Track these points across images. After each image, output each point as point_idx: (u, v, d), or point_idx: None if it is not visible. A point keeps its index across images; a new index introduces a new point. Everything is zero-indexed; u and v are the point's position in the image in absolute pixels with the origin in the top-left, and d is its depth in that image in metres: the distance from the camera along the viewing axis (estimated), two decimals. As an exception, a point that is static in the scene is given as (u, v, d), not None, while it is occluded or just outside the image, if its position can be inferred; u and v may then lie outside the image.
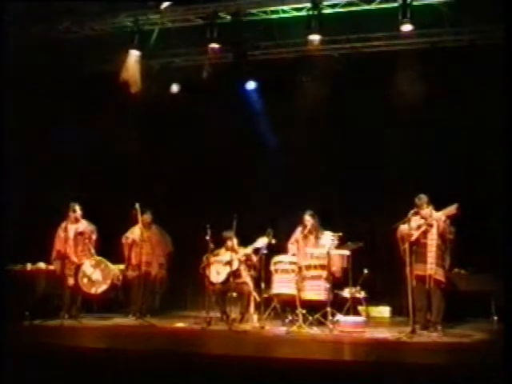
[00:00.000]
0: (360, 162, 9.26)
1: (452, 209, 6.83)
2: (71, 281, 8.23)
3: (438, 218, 6.96)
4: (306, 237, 8.23)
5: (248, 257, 8.25)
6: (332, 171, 9.36)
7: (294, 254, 8.15)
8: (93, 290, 8.21)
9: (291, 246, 8.28)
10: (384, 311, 9.06)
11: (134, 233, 8.64)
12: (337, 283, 7.83)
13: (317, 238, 8.12)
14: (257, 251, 8.10)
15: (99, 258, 8.36)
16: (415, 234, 7.01)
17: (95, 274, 8.25)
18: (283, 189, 9.30)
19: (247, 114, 9.72)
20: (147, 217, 8.61)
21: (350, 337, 6.89)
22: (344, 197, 9.20)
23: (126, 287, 8.79)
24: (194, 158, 9.95)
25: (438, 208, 7.07)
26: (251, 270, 8.33)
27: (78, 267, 8.27)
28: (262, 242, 7.97)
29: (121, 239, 8.75)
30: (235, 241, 8.20)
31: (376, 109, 9.05)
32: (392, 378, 4.86)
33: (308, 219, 8.20)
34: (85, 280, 8.21)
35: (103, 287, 8.22)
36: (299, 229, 8.30)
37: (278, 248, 8.21)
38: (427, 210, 7.06)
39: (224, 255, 8.27)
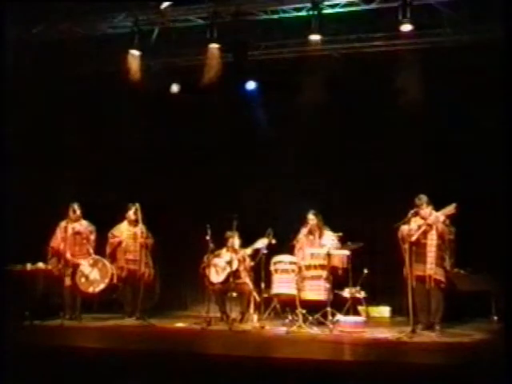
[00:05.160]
0: (360, 161, 9.27)
1: (451, 208, 6.84)
2: (68, 280, 8.21)
3: (437, 218, 6.96)
4: (308, 236, 8.23)
5: (245, 258, 8.24)
6: (332, 171, 9.35)
7: (294, 254, 8.15)
8: (90, 290, 8.14)
9: (298, 250, 8.27)
10: (384, 311, 9.05)
11: (121, 229, 8.58)
12: (340, 279, 7.83)
13: (320, 237, 8.13)
14: (257, 252, 8.11)
15: (97, 257, 8.31)
16: (415, 235, 7.01)
17: (93, 274, 8.18)
18: (283, 189, 9.30)
19: (247, 114, 9.71)
20: (133, 213, 8.38)
21: (350, 337, 6.89)
22: (344, 197, 9.20)
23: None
24: (194, 157, 9.95)
25: (438, 208, 7.07)
26: (250, 271, 8.34)
27: (76, 267, 8.23)
28: (261, 242, 7.97)
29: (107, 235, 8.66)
30: (237, 241, 8.21)
31: (376, 109, 9.04)
32: (392, 378, 4.86)
33: (311, 218, 8.21)
34: (82, 279, 8.16)
35: (101, 286, 8.13)
36: (303, 229, 8.30)
37: (278, 248, 8.21)
38: (427, 210, 7.06)
39: (225, 255, 8.27)
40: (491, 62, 7.43)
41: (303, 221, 8.31)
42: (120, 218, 8.61)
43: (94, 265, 8.23)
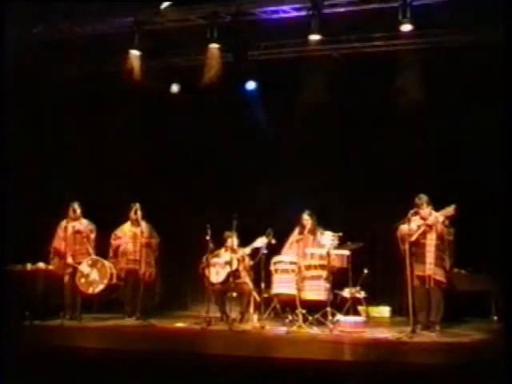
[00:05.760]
0: (360, 161, 9.27)
1: (450, 209, 6.83)
2: (67, 279, 8.19)
3: (437, 218, 6.96)
4: (304, 237, 8.23)
5: (244, 258, 8.24)
6: (332, 171, 9.35)
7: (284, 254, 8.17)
8: (90, 290, 8.13)
9: (287, 249, 8.27)
10: (384, 311, 9.05)
11: (124, 230, 8.57)
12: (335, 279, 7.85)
13: (315, 237, 8.13)
14: (256, 251, 8.10)
15: (96, 257, 8.29)
16: (415, 235, 7.01)
17: (92, 274, 8.15)
18: (283, 189, 9.30)
19: (247, 114, 9.71)
20: (134, 213, 8.38)
21: (350, 337, 6.89)
22: (344, 197, 9.20)
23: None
24: (194, 157, 9.96)
25: (437, 208, 7.07)
26: (250, 270, 8.34)
27: (75, 267, 8.21)
28: (260, 241, 7.97)
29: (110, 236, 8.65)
30: (236, 241, 8.20)
31: (376, 109, 9.04)
32: (392, 378, 4.86)
33: (306, 219, 8.21)
34: (82, 280, 8.15)
35: (100, 287, 8.11)
36: (296, 229, 8.30)
37: (278, 248, 8.21)
38: (427, 210, 7.06)
39: (224, 255, 8.27)
40: (491, 62, 7.43)
41: (298, 221, 8.31)
42: (123, 218, 8.60)
43: (93, 265, 8.21)
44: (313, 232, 8.20)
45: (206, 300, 8.13)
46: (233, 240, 8.11)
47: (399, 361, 5.67)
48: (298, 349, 6.24)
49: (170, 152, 10.03)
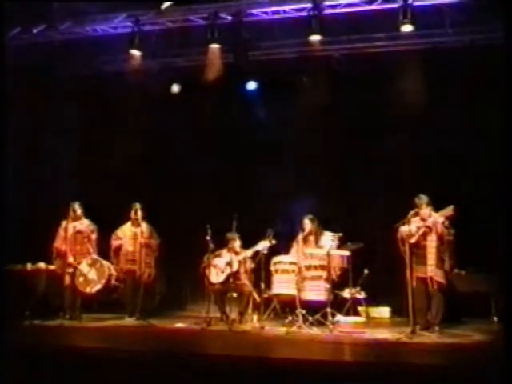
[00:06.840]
0: (360, 162, 9.27)
1: (449, 210, 6.82)
2: (67, 280, 8.21)
3: (436, 219, 6.95)
4: (305, 239, 8.22)
5: (245, 260, 8.23)
6: (332, 171, 9.35)
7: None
8: (87, 290, 8.10)
9: (294, 253, 8.26)
10: (384, 312, 9.04)
11: (124, 230, 8.54)
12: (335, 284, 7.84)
13: (316, 240, 8.11)
14: (257, 254, 8.09)
15: (95, 257, 8.27)
16: (415, 236, 6.99)
17: (91, 273, 8.13)
18: (283, 189, 9.30)
19: (248, 115, 9.71)
20: (134, 213, 8.36)
21: (350, 337, 6.89)
22: (344, 197, 9.20)
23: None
24: (194, 158, 9.96)
25: (437, 209, 7.07)
26: (251, 273, 8.33)
27: (76, 266, 8.20)
28: (263, 245, 7.92)
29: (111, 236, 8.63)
30: (238, 243, 8.20)
31: (376, 109, 9.05)
32: (392, 378, 4.86)
33: (307, 223, 8.17)
34: (81, 279, 8.12)
35: (98, 287, 8.08)
36: (300, 233, 8.28)
37: (278, 249, 8.21)
38: (426, 211, 7.04)
39: (225, 256, 8.27)
40: (491, 61, 7.44)
41: (300, 226, 8.30)
42: (124, 218, 8.59)
43: (92, 265, 8.19)
44: (314, 235, 8.17)
45: (206, 300, 8.12)
46: (235, 242, 8.12)
47: (399, 361, 5.66)
48: (297, 349, 6.24)
49: (171, 152, 10.03)
